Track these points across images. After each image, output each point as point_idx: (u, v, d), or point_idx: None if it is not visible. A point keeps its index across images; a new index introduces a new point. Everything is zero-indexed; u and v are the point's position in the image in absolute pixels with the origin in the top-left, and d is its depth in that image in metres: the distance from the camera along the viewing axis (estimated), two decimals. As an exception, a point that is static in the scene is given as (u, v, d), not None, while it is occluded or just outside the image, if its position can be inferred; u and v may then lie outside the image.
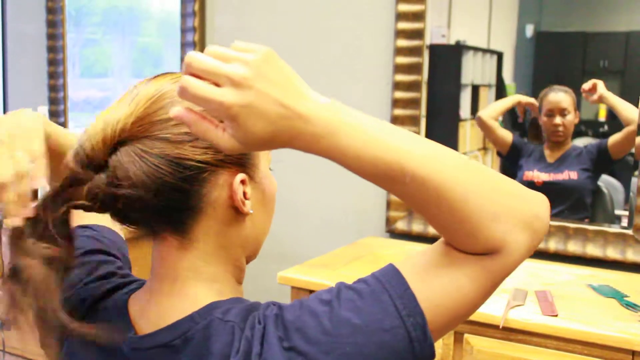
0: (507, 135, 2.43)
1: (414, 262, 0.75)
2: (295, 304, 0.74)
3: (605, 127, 2.42)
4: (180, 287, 0.79)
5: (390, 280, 0.72)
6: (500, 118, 2.47)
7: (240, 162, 0.79)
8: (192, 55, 0.65)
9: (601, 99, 2.23)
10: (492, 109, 2.45)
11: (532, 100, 2.37)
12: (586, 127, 2.40)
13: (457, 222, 0.70)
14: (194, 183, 0.76)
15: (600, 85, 2.22)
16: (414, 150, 0.69)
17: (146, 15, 3.42)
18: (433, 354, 0.72)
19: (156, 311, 0.79)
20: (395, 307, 0.70)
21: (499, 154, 2.51)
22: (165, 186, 0.75)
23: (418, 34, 2.39)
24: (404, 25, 2.40)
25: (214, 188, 0.77)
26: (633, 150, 2.13)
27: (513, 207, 0.71)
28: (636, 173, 2.10)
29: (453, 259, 0.73)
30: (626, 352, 1.56)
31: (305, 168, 2.58)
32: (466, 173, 0.71)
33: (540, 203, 0.75)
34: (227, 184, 0.78)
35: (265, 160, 0.84)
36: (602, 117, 2.44)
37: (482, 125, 2.46)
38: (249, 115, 0.64)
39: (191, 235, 0.78)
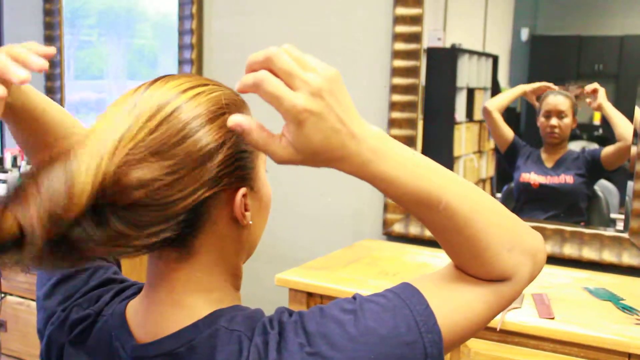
0: (509, 133, 2.43)
1: (430, 280, 0.78)
2: (314, 311, 0.74)
3: (600, 131, 2.43)
4: (178, 297, 0.78)
5: (410, 297, 0.74)
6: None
7: (244, 177, 0.78)
8: (275, 53, 0.67)
9: (600, 108, 2.24)
10: (498, 100, 2.45)
11: (536, 85, 2.37)
12: (581, 130, 2.41)
13: (477, 250, 0.75)
14: (197, 205, 0.73)
15: (601, 93, 2.22)
16: (451, 182, 0.74)
17: (142, 18, 3.41)
18: None
19: (155, 320, 0.79)
20: (416, 323, 0.72)
21: (496, 151, 2.52)
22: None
23: (415, 37, 2.40)
24: (401, 28, 2.41)
25: (216, 206, 0.76)
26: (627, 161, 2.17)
27: (524, 240, 0.78)
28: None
29: (469, 283, 0.77)
30: (622, 355, 1.57)
31: (303, 171, 2.59)
32: (489, 207, 0.77)
33: (540, 239, 0.82)
34: (229, 199, 0.77)
35: (263, 165, 0.84)
36: (597, 120, 2.45)
37: (488, 116, 2.46)
38: (315, 124, 0.66)
39: (190, 249, 0.77)
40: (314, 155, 0.68)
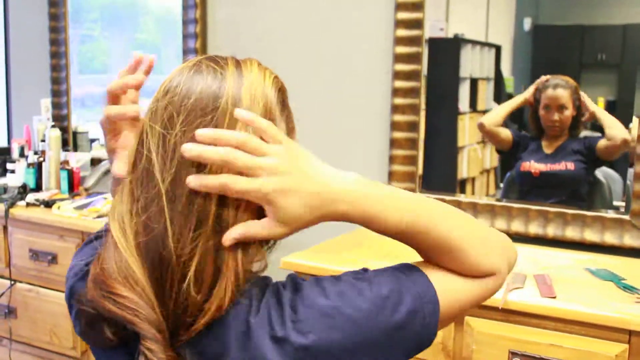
0: (508, 135, 2.44)
1: (426, 264, 0.89)
2: (327, 276, 0.83)
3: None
4: None
5: (412, 272, 0.87)
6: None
7: None
8: (230, 155, 0.74)
9: (592, 116, 2.29)
10: (495, 115, 2.45)
11: (532, 88, 2.37)
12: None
13: (461, 259, 0.86)
14: None
15: (587, 101, 2.27)
16: (428, 208, 0.86)
17: (144, 11, 3.43)
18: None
19: None
20: (418, 293, 0.83)
21: (498, 151, 2.53)
22: None
23: (417, 24, 2.42)
24: (403, 15, 2.43)
25: None
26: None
27: (498, 244, 0.91)
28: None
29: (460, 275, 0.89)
30: (623, 332, 1.59)
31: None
32: (463, 223, 0.88)
33: (509, 241, 0.95)
34: None
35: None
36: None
37: (485, 131, 2.47)
38: (288, 199, 0.76)
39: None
40: (300, 223, 0.78)
